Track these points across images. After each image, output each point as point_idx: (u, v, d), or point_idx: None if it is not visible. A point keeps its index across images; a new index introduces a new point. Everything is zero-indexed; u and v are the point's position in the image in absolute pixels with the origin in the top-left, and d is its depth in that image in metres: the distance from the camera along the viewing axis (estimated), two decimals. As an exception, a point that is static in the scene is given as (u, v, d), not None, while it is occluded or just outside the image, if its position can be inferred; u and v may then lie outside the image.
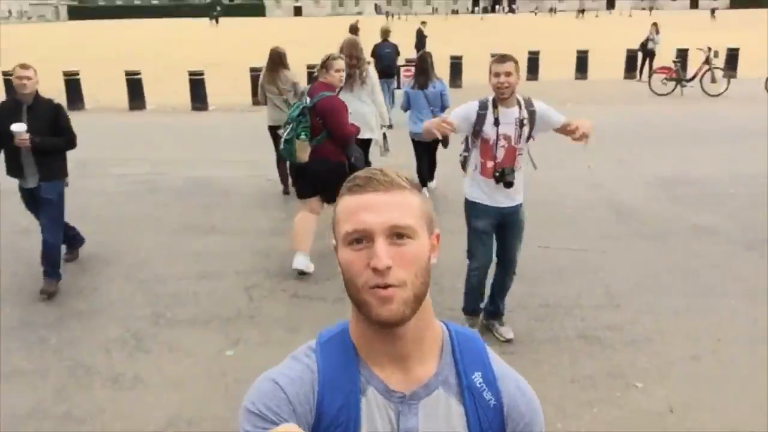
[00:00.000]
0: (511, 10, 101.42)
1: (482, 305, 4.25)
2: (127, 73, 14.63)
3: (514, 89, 3.65)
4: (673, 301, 4.62)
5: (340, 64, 5.13)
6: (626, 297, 4.71)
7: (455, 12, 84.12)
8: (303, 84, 7.48)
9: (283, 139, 4.94)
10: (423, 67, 7.03)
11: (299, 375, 0.98)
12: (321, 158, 4.91)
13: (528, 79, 17.50)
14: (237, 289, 4.94)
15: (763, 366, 3.76)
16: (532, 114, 3.72)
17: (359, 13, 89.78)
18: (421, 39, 20.78)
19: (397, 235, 0.94)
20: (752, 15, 69.12)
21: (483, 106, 3.71)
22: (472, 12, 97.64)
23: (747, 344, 4.06)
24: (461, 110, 3.78)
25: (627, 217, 6.41)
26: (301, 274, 5.11)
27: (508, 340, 4.12)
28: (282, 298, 4.80)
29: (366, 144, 6.35)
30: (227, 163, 8.94)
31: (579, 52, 18.37)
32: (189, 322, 4.48)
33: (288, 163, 5.81)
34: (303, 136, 4.83)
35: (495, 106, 3.68)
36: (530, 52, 18.00)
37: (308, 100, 4.94)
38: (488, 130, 3.69)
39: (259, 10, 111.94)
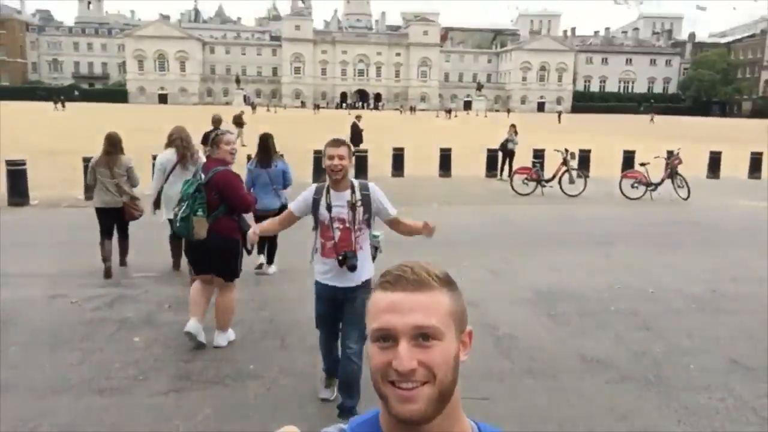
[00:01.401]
0: (376, 107, 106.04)
1: None
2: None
3: (347, 172, 3.78)
4: (578, 476, 3.61)
5: (230, 137, 5.16)
6: (521, 472, 3.63)
7: (318, 107, 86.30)
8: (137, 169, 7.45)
9: (178, 217, 4.87)
10: (265, 146, 7.04)
11: None
12: (218, 234, 4.91)
13: (393, 175, 17.13)
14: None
15: None
16: (365, 197, 3.81)
17: (228, 103, 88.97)
18: (356, 132, 21.22)
19: (422, 336, 0.95)
20: (590, 118, 77.16)
21: (318, 192, 3.87)
22: (339, 107, 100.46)
23: None
24: (299, 199, 3.97)
25: (508, 347, 5.46)
26: (192, 339, 5.04)
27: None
28: None
29: None
30: (23, 279, 7.04)
31: (442, 150, 18.41)
32: None
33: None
34: (200, 213, 4.82)
35: (328, 192, 3.81)
36: (394, 149, 17.76)
37: (202, 176, 4.94)
38: (323, 212, 3.83)
39: (122, 96, 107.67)
